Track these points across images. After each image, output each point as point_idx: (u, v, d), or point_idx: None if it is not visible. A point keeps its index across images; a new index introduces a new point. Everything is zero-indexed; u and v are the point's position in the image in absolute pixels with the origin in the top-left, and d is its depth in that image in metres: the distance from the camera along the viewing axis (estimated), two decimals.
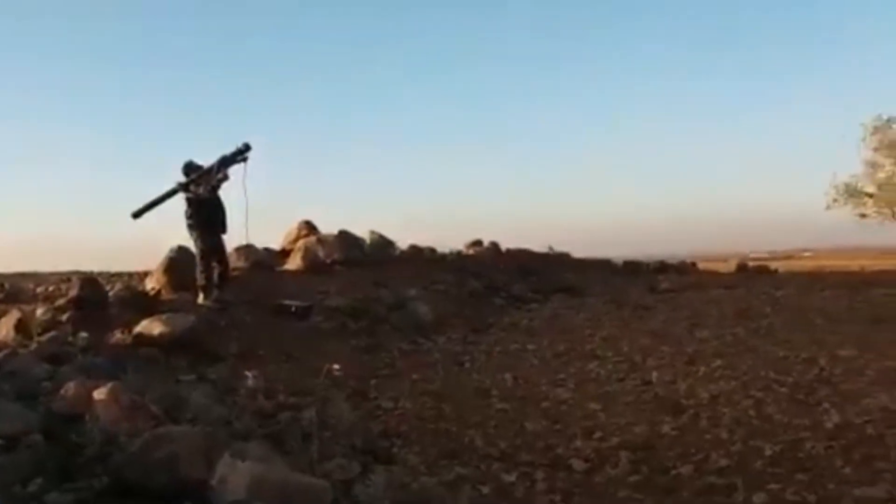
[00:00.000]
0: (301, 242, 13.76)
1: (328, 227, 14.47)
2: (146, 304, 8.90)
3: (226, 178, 9.45)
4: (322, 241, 13.71)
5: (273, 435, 5.33)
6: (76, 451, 4.39)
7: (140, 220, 9.47)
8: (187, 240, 9.83)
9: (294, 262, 13.10)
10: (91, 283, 9.10)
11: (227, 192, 9.63)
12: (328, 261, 13.21)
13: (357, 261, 13.65)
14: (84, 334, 7.60)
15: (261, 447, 4.57)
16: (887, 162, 15.89)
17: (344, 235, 14.10)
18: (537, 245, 18.76)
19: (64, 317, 8.11)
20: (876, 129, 15.89)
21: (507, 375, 7.98)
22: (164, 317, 8.01)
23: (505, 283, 14.98)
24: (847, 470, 4.80)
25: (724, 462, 5.10)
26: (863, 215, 16.36)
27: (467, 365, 8.74)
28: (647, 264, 20.70)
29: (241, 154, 9.43)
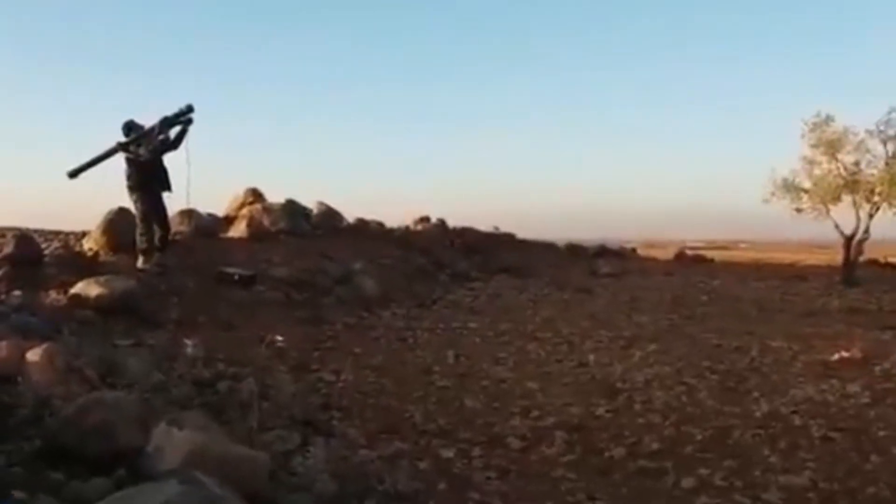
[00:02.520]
0: (246, 209, 13.54)
1: (274, 196, 14.29)
2: (84, 265, 8.68)
3: (167, 139, 9.22)
4: (268, 209, 13.52)
5: (211, 404, 5.28)
6: (8, 412, 4.28)
7: (79, 179, 9.21)
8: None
9: (238, 230, 12.89)
10: (26, 240, 8.83)
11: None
12: (273, 230, 13.04)
13: (303, 231, 13.51)
14: (18, 293, 7.39)
15: (198, 416, 4.53)
16: (823, 159, 16.30)
17: (291, 204, 13.94)
18: (484, 224, 18.91)
19: None
20: (815, 126, 16.26)
21: (449, 353, 8.04)
22: (102, 279, 7.82)
23: (450, 261, 15.07)
24: (773, 458, 4.99)
25: (655, 446, 5.24)
26: (799, 210, 16.77)
27: (410, 341, 8.77)
28: (589, 248, 21.00)
29: (183, 115, 9.21)
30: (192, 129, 9.21)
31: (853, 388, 6.57)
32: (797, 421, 5.72)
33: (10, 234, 9.15)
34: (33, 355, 4.93)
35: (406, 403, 6.23)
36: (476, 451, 5.17)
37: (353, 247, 13.46)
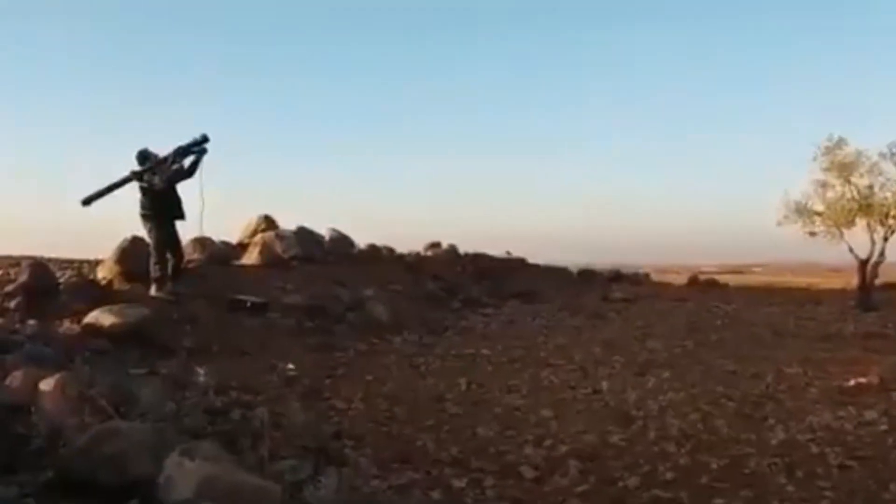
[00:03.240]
0: (259, 237, 13.61)
1: (287, 223, 14.37)
2: (98, 294, 8.75)
3: (181, 168, 9.31)
4: (281, 236, 13.58)
5: (223, 433, 5.28)
6: (21, 442, 4.30)
7: (93, 207, 9.30)
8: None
9: (251, 257, 12.96)
10: (41, 269, 8.92)
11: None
12: (286, 256, 13.09)
13: (315, 258, 13.56)
14: (32, 322, 7.45)
15: (210, 445, 4.52)
16: (836, 182, 16.24)
17: (303, 231, 14.00)
18: (495, 249, 18.91)
19: (12, 303, 7.93)
20: (827, 150, 16.22)
21: (461, 380, 8.00)
22: (115, 307, 7.88)
23: (462, 287, 15.06)
24: (790, 487, 4.91)
25: (670, 475, 5.17)
26: (812, 233, 16.68)
27: (422, 368, 8.74)
28: (602, 273, 20.94)
29: (198, 145, 9.31)
30: (205, 158, 9.32)
31: (870, 414, 6.48)
32: (814, 449, 5.64)
33: (24, 263, 9.25)
34: (46, 385, 4.97)
35: (418, 432, 6.18)
36: (489, 481, 5.12)
37: (365, 273, 13.49)
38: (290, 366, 7.81)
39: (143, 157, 9.36)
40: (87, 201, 9.20)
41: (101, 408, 4.92)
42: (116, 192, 9.32)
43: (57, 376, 5.09)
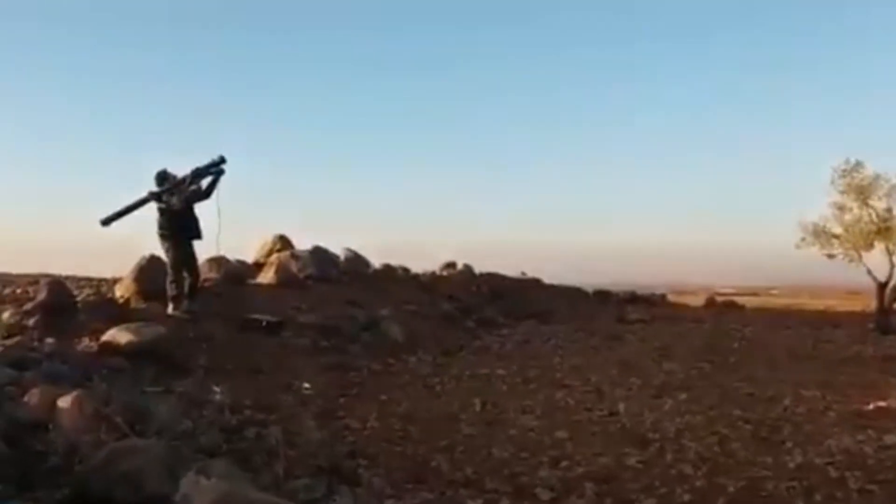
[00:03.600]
0: (275, 256, 13.68)
1: (302, 242, 14.43)
2: (115, 312, 8.80)
3: (199, 189, 9.40)
4: (296, 255, 13.64)
5: (238, 451, 5.29)
6: (39, 459, 4.33)
7: (112, 227, 9.39)
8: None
9: (267, 276, 13.01)
10: (59, 287, 8.98)
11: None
12: (301, 276, 13.14)
13: (331, 277, 13.60)
14: (50, 340, 7.50)
15: (225, 464, 4.54)
16: (854, 205, 16.17)
17: (318, 251, 14.05)
18: (510, 269, 18.90)
19: (31, 321, 7.99)
20: (844, 173, 16.17)
21: (476, 400, 7.97)
22: (132, 326, 7.92)
23: (477, 307, 15.05)
24: None
25: (687, 497, 5.13)
26: (830, 255, 16.59)
27: (437, 388, 8.73)
28: (617, 294, 20.84)
29: (215, 166, 9.40)
30: (223, 179, 9.40)
31: (890, 438, 6.40)
32: (833, 472, 5.57)
33: (43, 281, 9.33)
34: (64, 402, 5.01)
35: (433, 452, 6.16)
36: (504, 502, 5.09)
37: (380, 293, 13.52)
38: (305, 385, 7.82)
39: (162, 177, 9.46)
40: (106, 221, 9.29)
41: (117, 425, 4.95)
42: (135, 212, 9.42)
43: (74, 394, 5.13)
